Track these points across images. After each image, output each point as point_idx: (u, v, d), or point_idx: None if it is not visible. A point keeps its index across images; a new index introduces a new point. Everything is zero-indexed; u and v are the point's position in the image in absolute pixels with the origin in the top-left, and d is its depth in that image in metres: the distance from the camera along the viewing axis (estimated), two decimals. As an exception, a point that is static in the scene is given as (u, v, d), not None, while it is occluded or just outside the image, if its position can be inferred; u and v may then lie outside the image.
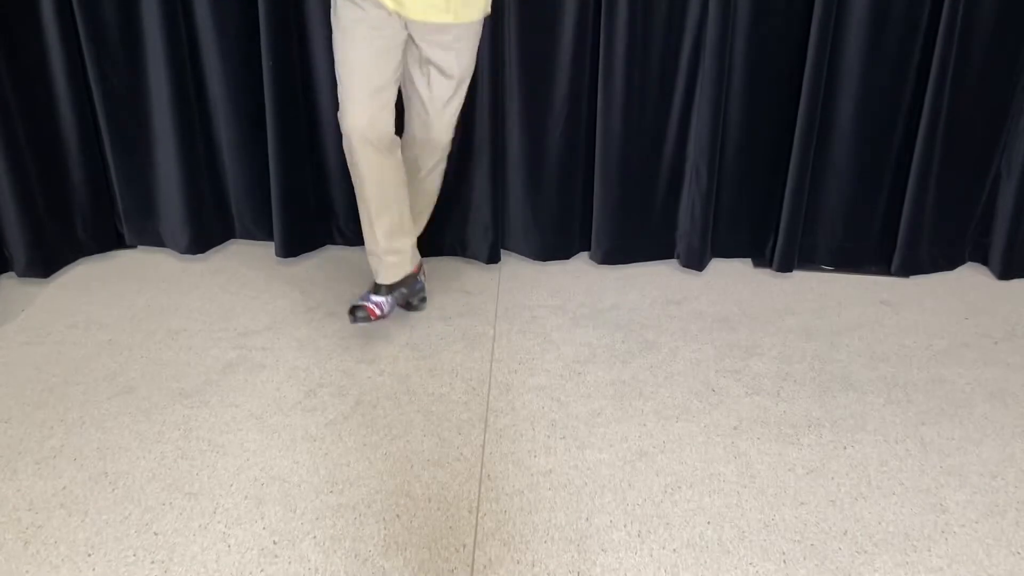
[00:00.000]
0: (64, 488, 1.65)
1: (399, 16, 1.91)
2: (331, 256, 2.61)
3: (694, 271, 2.54)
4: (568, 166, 2.47)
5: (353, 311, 2.09)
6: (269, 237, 2.60)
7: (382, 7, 1.89)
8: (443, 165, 2.22)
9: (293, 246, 2.56)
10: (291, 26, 2.32)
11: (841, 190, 2.47)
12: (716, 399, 1.95)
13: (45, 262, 2.43)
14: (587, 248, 2.59)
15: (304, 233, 2.58)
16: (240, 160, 2.53)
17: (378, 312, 2.11)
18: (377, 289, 2.14)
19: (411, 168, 2.16)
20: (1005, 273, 2.52)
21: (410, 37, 1.97)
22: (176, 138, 2.43)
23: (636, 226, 2.51)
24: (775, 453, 1.78)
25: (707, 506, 1.63)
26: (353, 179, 2.05)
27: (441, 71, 2.01)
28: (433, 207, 2.32)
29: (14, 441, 1.78)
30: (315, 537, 1.54)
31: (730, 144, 2.44)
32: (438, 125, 2.10)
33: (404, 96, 2.10)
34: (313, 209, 2.57)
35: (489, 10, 2.02)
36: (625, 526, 1.58)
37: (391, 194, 2.06)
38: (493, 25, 2.20)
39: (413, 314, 2.28)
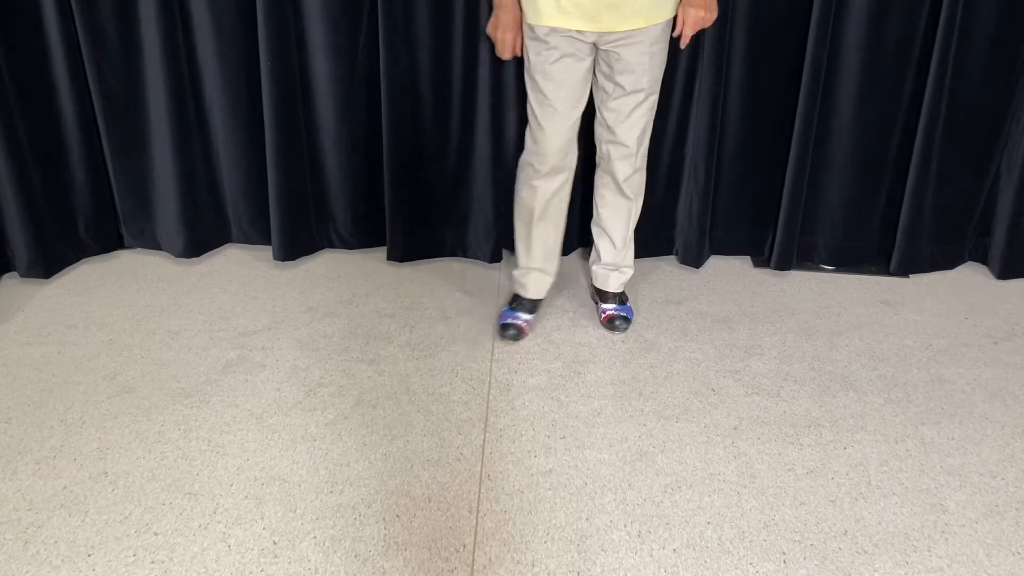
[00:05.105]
0: (64, 488, 1.65)
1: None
2: (329, 259, 2.60)
3: (692, 268, 2.54)
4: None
5: (505, 328, 2.16)
6: (266, 241, 2.59)
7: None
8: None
9: (291, 250, 2.55)
10: (290, 28, 2.32)
11: (840, 188, 2.47)
12: (716, 399, 1.95)
13: (47, 262, 2.43)
14: (586, 245, 2.60)
15: (302, 237, 2.57)
16: (238, 163, 2.52)
17: (528, 329, 2.19)
18: (521, 304, 2.21)
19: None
20: (1004, 272, 2.52)
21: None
22: (173, 140, 2.42)
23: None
24: (775, 453, 1.78)
25: (707, 506, 1.63)
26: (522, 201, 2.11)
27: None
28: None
29: (14, 441, 1.78)
30: (315, 537, 1.54)
31: (728, 142, 2.44)
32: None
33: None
34: (311, 213, 2.56)
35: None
36: (625, 526, 1.58)
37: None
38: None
39: (413, 314, 2.28)
